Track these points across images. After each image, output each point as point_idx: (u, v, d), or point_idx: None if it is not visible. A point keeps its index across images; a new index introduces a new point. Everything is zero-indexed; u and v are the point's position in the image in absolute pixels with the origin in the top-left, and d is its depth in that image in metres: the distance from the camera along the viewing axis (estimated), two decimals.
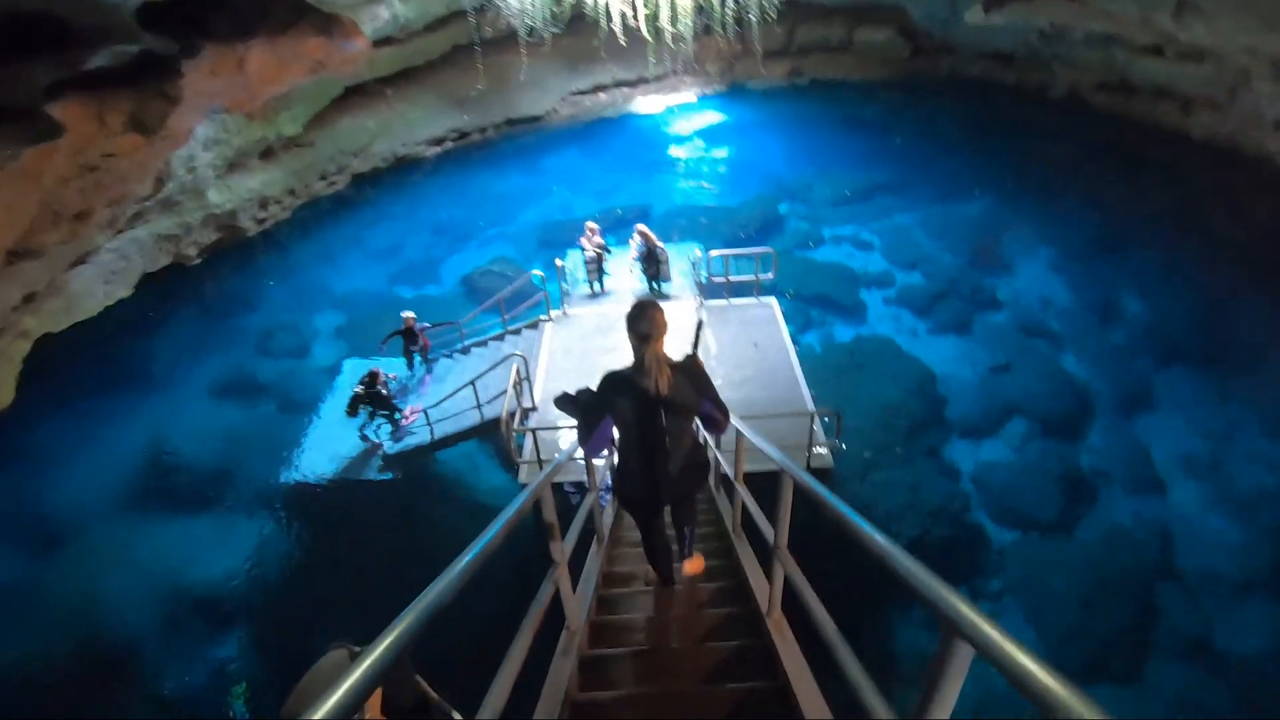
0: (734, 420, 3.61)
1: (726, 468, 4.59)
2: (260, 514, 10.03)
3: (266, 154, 14.50)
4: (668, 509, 3.95)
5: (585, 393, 3.36)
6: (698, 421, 3.41)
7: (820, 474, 7.63)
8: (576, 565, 3.63)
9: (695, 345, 3.56)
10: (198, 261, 13.55)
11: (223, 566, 9.38)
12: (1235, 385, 11.41)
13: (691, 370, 3.22)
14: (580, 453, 3.97)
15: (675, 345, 3.19)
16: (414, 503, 9.68)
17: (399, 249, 16.23)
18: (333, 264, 15.63)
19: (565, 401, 3.50)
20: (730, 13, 14.95)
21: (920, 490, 10.15)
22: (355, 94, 16.89)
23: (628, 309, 3.20)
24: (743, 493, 4.15)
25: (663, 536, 3.87)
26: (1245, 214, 14.41)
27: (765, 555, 3.37)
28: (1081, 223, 15.43)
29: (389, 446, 9.72)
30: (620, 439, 3.36)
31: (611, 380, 3.19)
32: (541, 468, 7.47)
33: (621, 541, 4.92)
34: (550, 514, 2.84)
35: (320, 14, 8.36)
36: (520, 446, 7.98)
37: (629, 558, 4.71)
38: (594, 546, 4.44)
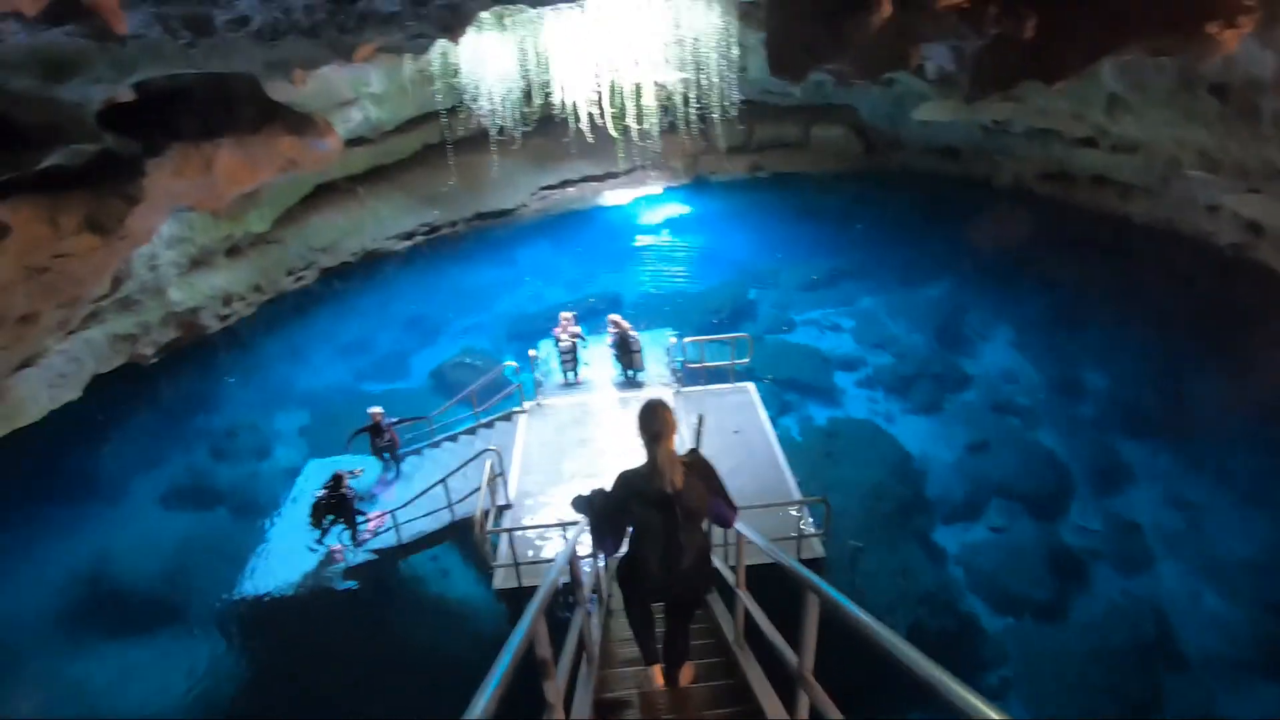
0: (739, 525, 3.68)
1: (724, 571, 4.27)
2: (208, 634, 9.25)
3: (232, 251, 14.37)
4: (663, 611, 3.94)
5: (599, 494, 3.40)
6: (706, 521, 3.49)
7: (812, 564, 7.32)
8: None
9: (698, 441, 3.94)
10: (154, 361, 13.06)
11: (162, 698, 8.50)
12: (1201, 455, 11.61)
13: (702, 468, 3.33)
14: (576, 550, 4.02)
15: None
16: (380, 615, 9.03)
17: (367, 344, 15.95)
18: (298, 360, 15.24)
19: (581, 504, 3.53)
20: (693, 110, 15.66)
21: (910, 577, 9.89)
22: (326, 191, 17.05)
23: (638, 409, 3.26)
24: (746, 600, 3.83)
25: (654, 635, 3.90)
26: (1188, 290, 15.07)
27: (779, 676, 3.09)
28: (1037, 302, 15.99)
29: (351, 554, 9.11)
30: (633, 535, 3.38)
31: (625, 480, 3.27)
32: (519, 572, 7.03)
33: (613, 660, 4.48)
34: (544, 649, 2.52)
35: (293, 113, 8.40)
36: (495, 548, 7.53)
37: (623, 680, 4.27)
38: (584, 668, 4.05)
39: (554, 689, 2.69)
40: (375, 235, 18.26)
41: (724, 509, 3.38)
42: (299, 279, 16.49)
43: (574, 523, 6.96)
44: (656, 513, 3.20)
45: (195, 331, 13.73)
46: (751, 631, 3.81)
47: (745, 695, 3.82)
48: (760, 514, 7.23)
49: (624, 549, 3.49)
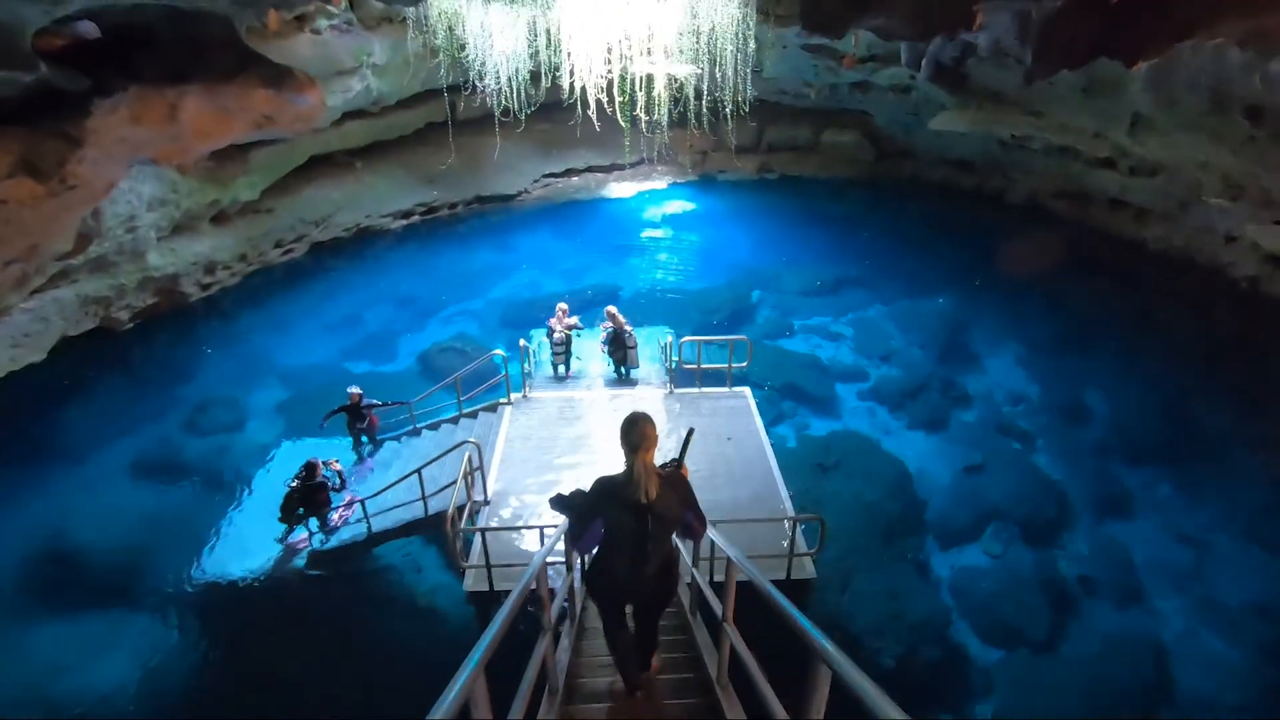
0: (726, 548, 3.73)
1: (711, 599, 3.91)
2: (166, 614, 8.78)
3: (219, 218, 13.82)
4: (631, 616, 4.08)
5: (578, 494, 3.59)
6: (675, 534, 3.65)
7: (801, 586, 6.91)
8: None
9: (683, 453, 3.68)
10: (129, 327, 12.53)
11: (111, 676, 8.05)
12: (1205, 487, 11.34)
13: (677, 482, 3.50)
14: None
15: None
16: (346, 607, 8.56)
17: (356, 322, 15.46)
18: (282, 334, 14.73)
19: (559, 503, 3.73)
20: (706, 103, 15.18)
21: (901, 601, 9.50)
22: (322, 163, 16.52)
23: (622, 419, 3.40)
24: (733, 635, 3.44)
25: (628, 634, 4.00)
26: (1201, 321, 14.75)
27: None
28: (1044, 322, 15.66)
29: (317, 542, 8.66)
30: (604, 539, 3.54)
31: (603, 485, 3.43)
32: (491, 575, 6.59)
33: (582, 692, 4.06)
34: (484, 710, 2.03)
35: (270, 64, 7.81)
36: (468, 547, 7.08)
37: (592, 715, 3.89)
38: (545, 703, 3.65)
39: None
40: (371, 211, 17.75)
41: (692, 522, 3.57)
42: (288, 251, 15.95)
43: (552, 525, 6.54)
44: (630, 520, 3.36)
45: (175, 299, 13.20)
46: (736, 669, 3.53)
47: None
48: (745, 528, 6.83)
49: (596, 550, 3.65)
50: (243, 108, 7.34)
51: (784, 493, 8.14)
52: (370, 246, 17.86)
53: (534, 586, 3.58)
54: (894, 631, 8.98)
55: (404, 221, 18.61)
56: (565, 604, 5.00)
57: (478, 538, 6.73)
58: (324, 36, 13.02)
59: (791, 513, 7.76)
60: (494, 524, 7.62)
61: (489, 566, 6.54)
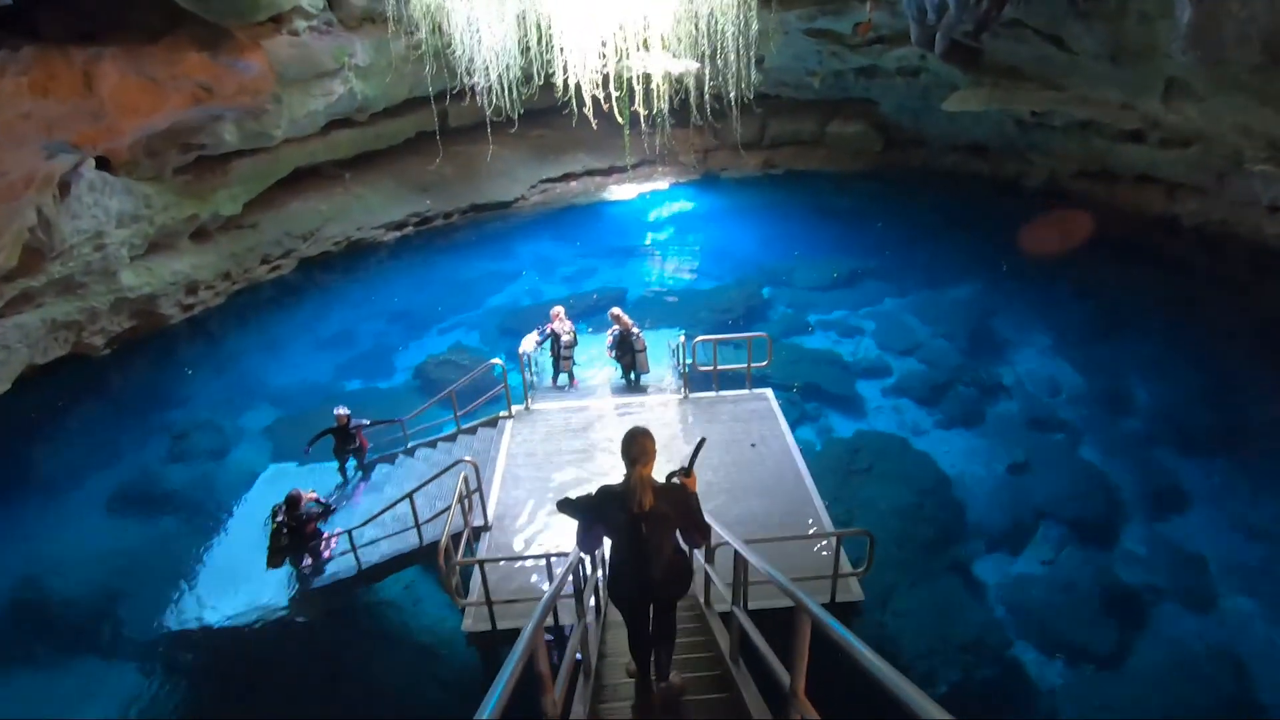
0: (740, 548, 4.08)
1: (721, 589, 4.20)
2: (143, 663, 8.04)
3: (199, 235, 13.10)
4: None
5: (584, 499, 3.80)
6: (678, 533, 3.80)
7: (846, 609, 6.04)
8: None
9: (692, 462, 3.79)
10: (106, 353, 11.79)
11: None
12: (1265, 475, 10.43)
13: (674, 495, 3.66)
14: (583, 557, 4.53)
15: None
16: (336, 651, 7.74)
17: (349, 338, 14.74)
18: (271, 354, 14.01)
19: (567, 505, 3.88)
20: (708, 94, 14.42)
21: (949, 617, 8.63)
22: (309, 175, 15.85)
23: (622, 434, 3.62)
24: (741, 617, 3.78)
25: (648, 632, 4.13)
26: (1246, 298, 13.88)
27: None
28: (1074, 308, 14.86)
29: (303, 581, 7.84)
30: (611, 545, 3.83)
31: (604, 492, 3.69)
32: (493, 613, 5.74)
33: (611, 675, 4.35)
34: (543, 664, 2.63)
35: (201, 23, 6.90)
36: (467, 580, 6.25)
37: (618, 694, 4.29)
38: (580, 683, 4.05)
39: (551, 702, 2.79)
40: (362, 224, 17.06)
41: (691, 535, 3.75)
42: (275, 268, 15.24)
43: (562, 554, 5.72)
44: (626, 527, 3.61)
45: (154, 321, 12.46)
46: (747, 648, 3.84)
47: (739, 708, 3.94)
48: (780, 547, 5.98)
49: (604, 552, 4.05)
50: (173, 76, 6.49)
51: (819, 503, 7.28)
52: (362, 260, 17.18)
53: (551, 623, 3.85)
54: (944, 653, 8.12)
55: (397, 233, 17.93)
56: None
57: (476, 570, 5.89)
58: (302, 38, 12.33)
59: (829, 525, 6.90)
60: (495, 553, 6.79)
61: (489, 602, 5.70)
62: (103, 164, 9.80)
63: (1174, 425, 11.70)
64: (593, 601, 5.05)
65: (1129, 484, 10.65)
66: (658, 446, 3.62)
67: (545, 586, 5.75)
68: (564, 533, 7.06)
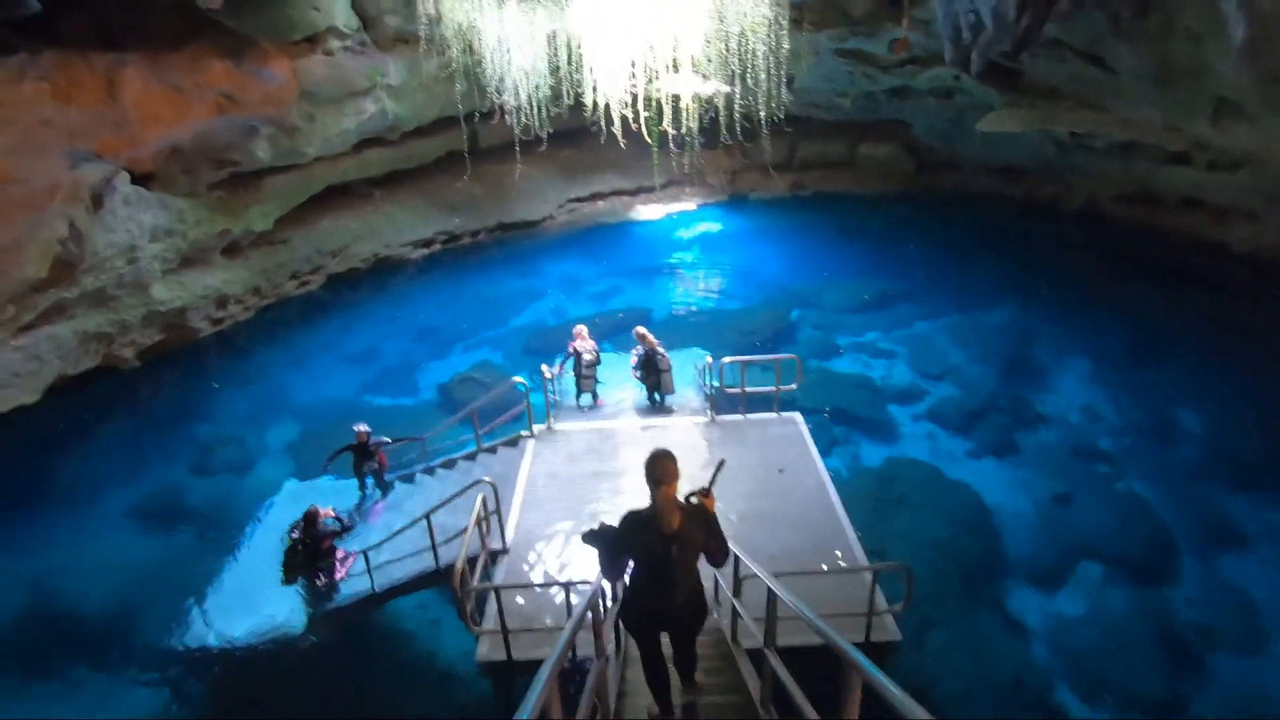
0: (770, 582, 4.02)
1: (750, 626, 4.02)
2: (158, 680, 7.94)
3: (231, 249, 13.24)
4: (667, 640, 4.21)
5: (609, 529, 3.80)
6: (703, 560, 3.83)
7: (883, 649, 5.69)
8: None
9: (712, 482, 3.81)
10: (135, 365, 11.89)
11: None
12: None
13: (700, 515, 3.70)
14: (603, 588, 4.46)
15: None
16: (347, 675, 7.54)
17: (374, 354, 14.76)
18: (298, 369, 14.06)
19: (591, 537, 3.89)
20: (737, 112, 14.30)
21: (988, 657, 8.19)
22: (339, 193, 16.03)
23: (645, 457, 3.64)
24: (773, 660, 3.63)
25: (664, 663, 4.15)
26: None
27: None
28: (1115, 334, 14.35)
29: (317, 601, 7.68)
30: (634, 569, 3.82)
31: (631, 518, 3.69)
32: (508, 642, 5.50)
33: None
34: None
35: (224, 31, 6.88)
36: (480, 609, 6.02)
37: None
38: None
39: None
40: (390, 241, 17.17)
41: (714, 552, 3.78)
42: (304, 284, 15.36)
43: (582, 582, 5.49)
44: (656, 550, 3.63)
45: (183, 334, 12.57)
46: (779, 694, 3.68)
47: None
48: (809, 580, 5.67)
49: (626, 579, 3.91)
50: (196, 84, 6.46)
51: (852, 534, 6.94)
52: (390, 277, 17.28)
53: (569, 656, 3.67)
54: (984, 697, 7.70)
55: (424, 251, 18.03)
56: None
57: (491, 596, 5.67)
58: (336, 58, 12.51)
59: (862, 558, 6.56)
60: (513, 578, 6.56)
61: (505, 631, 5.46)
62: (139, 178, 9.98)
63: (1225, 457, 11.16)
64: (612, 638, 4.82)
65: (1178, 518, 10.14)
66: (683, 470, 3.63)
67: (564, 617, 5.49)
68: (585, 558, 6.82)
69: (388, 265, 17.41)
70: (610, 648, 4.91)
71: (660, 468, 3.57)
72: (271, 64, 6.98)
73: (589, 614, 3.94)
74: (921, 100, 18.08)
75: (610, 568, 3.82)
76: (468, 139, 15.65)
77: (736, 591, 4.99)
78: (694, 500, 3.74)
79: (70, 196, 6.76)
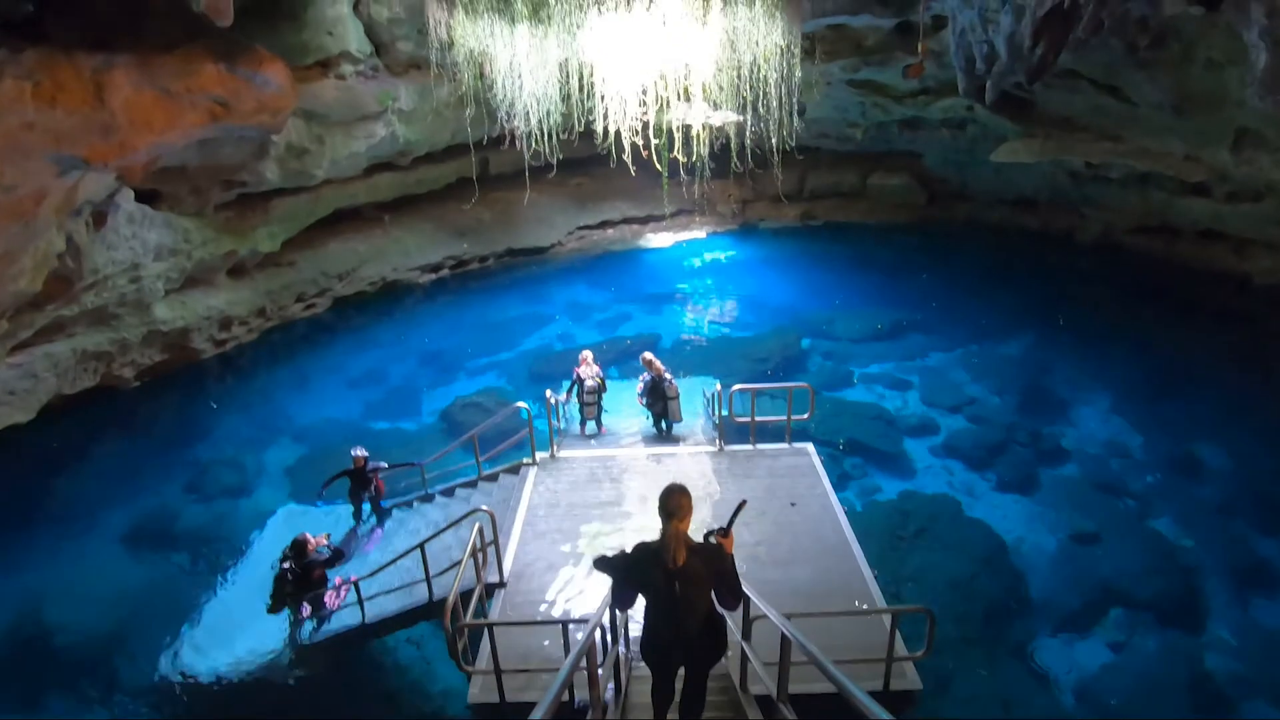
0: (783, 625, 3.96)
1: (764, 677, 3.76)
2: (135, 709, 7.62)
3: (236, 270, 13.16)
4: (681, 676, 4.15)
5: (620, 557, 3.82)
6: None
7: (902, 700, 5.29)
8: None
9: (731, 522, 3.77)
10: (135, 385, 11.72)
11: None
12: None
13: (708, 554, 3.67)
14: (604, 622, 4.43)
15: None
16: (334, 712, 7.17)
17: (378, 378, 14.57)
18: (301, 392, 13.87)
19: (603, 564, 3.94)
20: (749, 140, 14.22)
21: (1013, 707, 7.76)
22: (348, 217, 16.01)
23: (652, 486, 3.88)
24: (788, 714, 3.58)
25: (671, 688, 4.15)
26: None
27: None
28: (1135, 366, 13.99)
29: (306, 632, 7.35)
30: (646, 601, 3.81)
31: (641, 549, 3.72)
32: (502, 683, 5.15)
33: None
34: None
35: (219, 35, 6.69)
36: (473, 647, 5.67)
37: None
38: None
39: None
40: (398, 265, 17.10)
41: (724, 596, 3.76)
42: (309, 306, 15.25)
43: (579, 620, 5.15)
44: (659, 584, 3.63)
45: (185, 354, 12.41)
46: None
47: None
48: (824, 623, 5.31)
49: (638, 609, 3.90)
50: (189, 89, 6.26)
51: (867, 573, 6.56)
52: (397, 301, 17.18)
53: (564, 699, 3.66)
54: None
55: (432, 275, 17.94)
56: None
57: (486, 636, 5.33)
58: (348, 82, 12.56)
59: (879, 599, 6.19)
60: (510, 613, 6.22)
61: (498, 672, 5.11)
62: (145, 197, 9.90)
63: (1255, 494, 10.78)
64: (611, 684, 4.50)
65: (1209, 559, 9.75)
66: (692, 502, 3.58)
67: (562, 655, 5.14)
68: (587, 593, 6.48)
69: (395, 289, 17.32)
70: (609, 694, 4.56)
71: (673, 502, 3.56)
72: (266, 69, 6.83)
73: (583, 657, 3.77)
74: (934, 131, 18.01)
75: (619, 596, 3.88)
76: (478, 165, 15.64)
77: (746, 634, 4.64)
78: (712, 540, 3.71)
79: (61, 206, 6.59)
